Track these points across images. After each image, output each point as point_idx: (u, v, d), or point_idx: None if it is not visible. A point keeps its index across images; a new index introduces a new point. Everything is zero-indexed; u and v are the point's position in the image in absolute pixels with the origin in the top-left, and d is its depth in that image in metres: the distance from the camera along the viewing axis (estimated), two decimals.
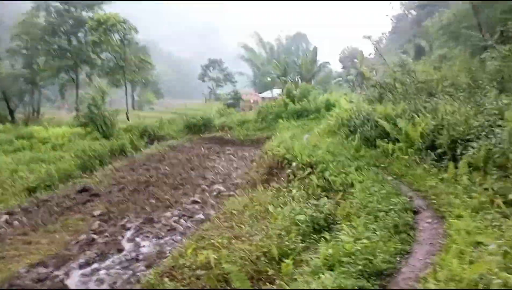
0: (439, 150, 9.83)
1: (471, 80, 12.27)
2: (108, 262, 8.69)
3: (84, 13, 38.42)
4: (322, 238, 7.26)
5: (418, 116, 11.40)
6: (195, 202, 12.68)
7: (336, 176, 9.86)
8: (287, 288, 5.62)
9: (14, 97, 34.40)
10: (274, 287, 6.03)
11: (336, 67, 65.64)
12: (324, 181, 10.06)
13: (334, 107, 21.91)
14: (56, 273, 8.12)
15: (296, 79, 46.80)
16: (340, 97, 24.18)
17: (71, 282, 7.81)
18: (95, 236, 10.00)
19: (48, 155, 17.38)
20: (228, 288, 6.22)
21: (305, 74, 46.54)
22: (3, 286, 7.52)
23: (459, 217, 6.49)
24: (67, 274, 8.09)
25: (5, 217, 11.20)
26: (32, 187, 13.50)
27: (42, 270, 8.20)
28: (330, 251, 5.97)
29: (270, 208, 9.45)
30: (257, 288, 6.18)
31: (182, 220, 11.15)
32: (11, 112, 33.72)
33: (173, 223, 10.91)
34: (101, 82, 30.64)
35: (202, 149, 21.75)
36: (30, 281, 7.67)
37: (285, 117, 23.39)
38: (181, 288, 6.61)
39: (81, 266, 8.48)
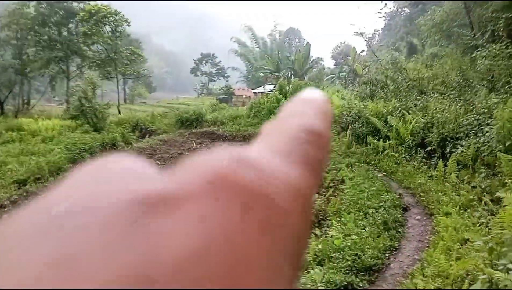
0: (429, 148, 9.96)
1: (462, 79, 12.41)
2: None
3: (75, 4, 37.94)
4: (312, 234, 7.33)
5: (409, 114, 11.52)
6: None
7: (327, 173, 9.93)
8: None
9: (3, 88, 33.90)
10: None
11: (329, 63, 65.88)
12: None
13: None
14: None
15: (289, 75, 46.85)
16: (332, 94, 24.25)
17: None
18: None
19: (38, 147, 17.14)
20: None
21: (298, 70, 46.60)
22: None
23: (447, 214, 6.60)
24: None
25: None
26: (22, 180, 13.35)
27: None
28: (320, 246, 6.03)
29: None
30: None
31: None
32: (0, 104, 33.27)
33: None
34: (92, 74, 30.31)
35: (194, 143, 21.70)
36: None
37: (277, 113, 23.44)
38: None
39: None
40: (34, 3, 36.05)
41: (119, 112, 32.99)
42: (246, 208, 0.17)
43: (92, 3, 37.29)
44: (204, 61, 71.64)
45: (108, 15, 35.95)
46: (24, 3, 34.71)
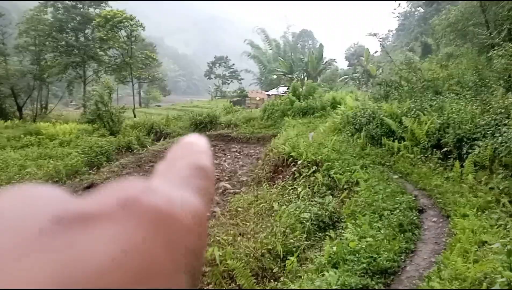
0: (445, 149, 9.84)
1: (478, 79, 12.22)
2: None
3: (91, 10, 38.59)
4: (326, 236, 7.31)
5: (424, 115, 11.40)
6: None
7: (341, 174, 9.89)
8: (291, 285, 5.67)
9: (22, 93, 34.65)
10: (279, 284, 6.09)
11: (342, 64, 65.57)
12: (329, 179, 10.09)
13: (340, 105, 21.88)
14: None
15: (302, 76, 46.74)
16: (346, 95, 24.13)
17: None
18: None
19: (55, 151, 17.48)
20: (234, 285, 6.28)
21: (311, 72, 46.47)
22: None
23: (464, 216, 6.51)
24: None
25: None
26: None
27: None
28: (335, 249, 6.02)
29: (275, 205, 9.51)
30: (262, 288, 6.25)
31: None
32: (19, 108, 34.00)
33: None
34: (108, 78, 30.78)
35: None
36: None
37: (290, 115, 23.38)
38: None
39: None
40: (51, 9, 36.72)
41: (135, 116, 33.40)
42: (154, 226, 0.21)
43: (107, 8, 37.83)
44: (217, 64, 71.96)
45: (124, 20, 36.44)
46: (41, 10, 35.38)
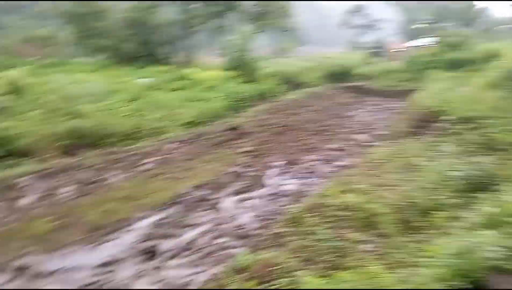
0: None
1: None
2: (254, 194, 9.49)
3: None
4: (478, 197, 6.73)
5: None
6: (335, 149, 12.80)
7: (499, 134, 8.84)
8: (438, 239, 5.38)
9: (171, 41, 38.06)
10: (423, 236, 5.87)
11: (502, 12, 56.50)
12: (484, 138, 9.11)
13: (498, 58, 19.15)
14: (211, 197, 9.21)
15: (450, 26, 41.82)
16: (506, 46, 20.98)
17: (224, 206, 8.78)
18: (242, 170, 10.95)
19: (202, 95, 19.06)
20: (373, 231, 6.25)
21: (461, 20, 41.27)
22: (172, 201, 8.84)
23: None
24: (220, 199, 9.10)
25: (173, 145, 12.93)
26: (191, 122, 15.18)
27: (200, 192, 9.39)
28: (492, 209, 5.52)
29: (418, 161, 9.03)
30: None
31: (322, 165, 11.44)
32: (168, 56, 37.60)
33: (313, 166, 11.27)
34: (246, 28, 31.77)
35: (343, 98, 21.45)
36: (192, 200, 8.89)
37: (435, 68, 21.38)
38: (322, 224, 6.82)
39: (231, 194, 9.45)
40: None
41: (270, 65, 34.19)
42: None
43: None
44: (353, 13, 68.39)
45: None
46: None
